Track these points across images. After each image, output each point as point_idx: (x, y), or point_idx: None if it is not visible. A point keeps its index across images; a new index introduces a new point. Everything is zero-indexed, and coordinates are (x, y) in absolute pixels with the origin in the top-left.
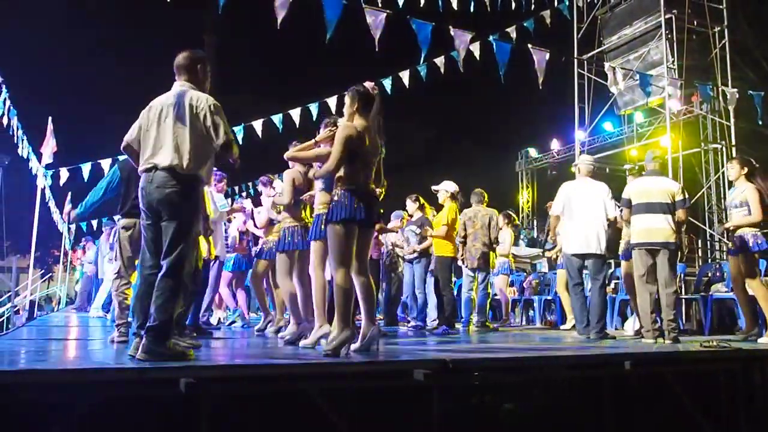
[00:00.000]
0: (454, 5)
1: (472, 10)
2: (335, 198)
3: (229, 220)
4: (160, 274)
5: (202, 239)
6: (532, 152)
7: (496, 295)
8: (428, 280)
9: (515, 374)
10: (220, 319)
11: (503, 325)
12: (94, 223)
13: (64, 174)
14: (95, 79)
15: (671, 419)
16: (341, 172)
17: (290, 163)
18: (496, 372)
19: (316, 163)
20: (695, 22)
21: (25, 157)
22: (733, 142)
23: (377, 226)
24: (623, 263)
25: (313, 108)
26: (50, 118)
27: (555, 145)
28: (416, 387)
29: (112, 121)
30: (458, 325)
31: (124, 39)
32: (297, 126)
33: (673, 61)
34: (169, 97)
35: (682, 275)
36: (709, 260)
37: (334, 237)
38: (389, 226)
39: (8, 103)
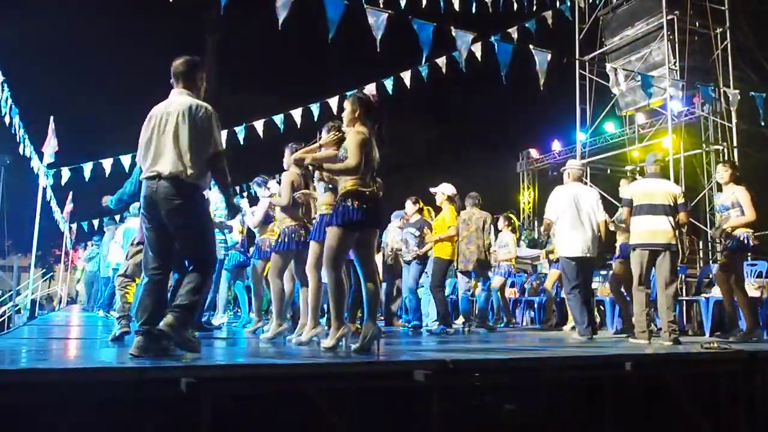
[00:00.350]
0: (456, 6)
1: (473, 10)
2: (341, 201)
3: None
4: (190, 268)
5: None
6: (533, 153)
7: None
8: (425, 282)
9: (515, 375)
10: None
11: (508, 325)
12: (95, 222)
13: (65, 173)
14: (97, 79)
15: (672, 421)
16: (349, 176)
17: (289, 165)
18: (497, 372)
19: (326, 164)
20: (697, 24)
21: (27, 156)
22: (735, 144)
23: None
24: (615, 263)
25: (315, 108)
26: (52, 118)
27: (556, 146)
28: (416, 387)
29: (114, 121)
30: (457, 325)
31: (126, 39)
32: (298, 126)
33: (675, 63)
34: (168, 105)
35: (683, 276)
36: (710, 262)
37: (333, 238)
38: (389, 226)
39: (10, 101)
